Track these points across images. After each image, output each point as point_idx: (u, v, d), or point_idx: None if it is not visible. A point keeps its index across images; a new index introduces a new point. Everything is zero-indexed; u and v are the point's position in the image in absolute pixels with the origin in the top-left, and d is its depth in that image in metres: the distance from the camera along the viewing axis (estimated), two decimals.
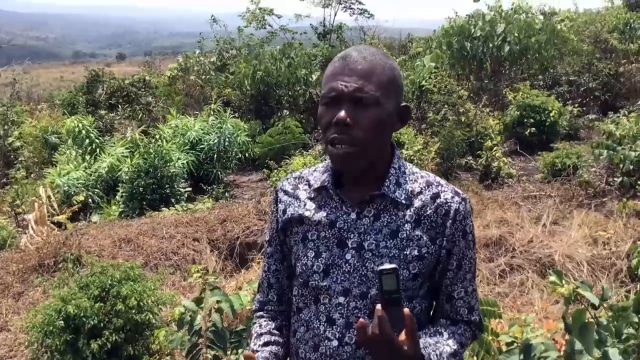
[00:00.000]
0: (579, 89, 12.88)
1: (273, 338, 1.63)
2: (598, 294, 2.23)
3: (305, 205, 1.57)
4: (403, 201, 1.48)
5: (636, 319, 2.09)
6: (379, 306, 1.28)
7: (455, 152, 9.52)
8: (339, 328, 1.47)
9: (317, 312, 1.51)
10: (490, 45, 12.50)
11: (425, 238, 1.47)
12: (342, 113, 1.41)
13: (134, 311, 4.45)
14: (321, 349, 1.49)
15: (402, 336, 1.29)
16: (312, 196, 1.57)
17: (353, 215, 1.49)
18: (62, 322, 4.30)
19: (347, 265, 1.47)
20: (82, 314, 4.31)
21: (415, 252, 1.45)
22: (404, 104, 1.51)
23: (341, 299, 1.47)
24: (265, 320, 1.68)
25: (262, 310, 1.71)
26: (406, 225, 1.47)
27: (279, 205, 1.64)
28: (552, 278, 2.10)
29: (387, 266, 1.29)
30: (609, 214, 6.92)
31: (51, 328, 4.31)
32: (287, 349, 1.62)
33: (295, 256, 1.57)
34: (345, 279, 1.47)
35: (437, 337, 1.47)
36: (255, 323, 1.69)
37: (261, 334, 1.64)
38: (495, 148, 9.11)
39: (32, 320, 4.49)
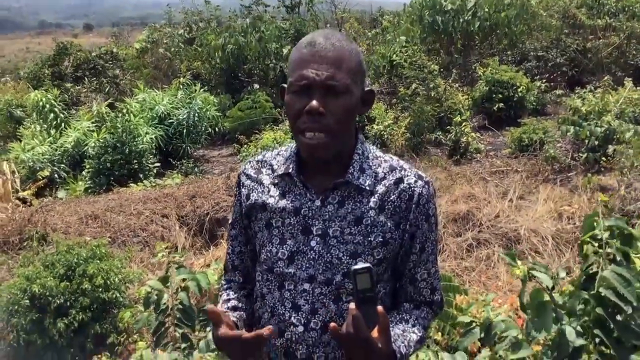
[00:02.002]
0: (547, 64, 13.00)
1: (240, 304, 1.64)
2: (560, 267, 2.28)
3: (269, 191, 1.56)
4: (367, 187, 1.48)
5: (586, 296, 2.14)
6: (352, 305, 1.29)
7: (425, 128, 9.57)
8: (304, 314, 1.48)
9: (282, 298, 1.51)
10: (461, 19, 12.50)
11: (389, 224, 1.47)
12: (315, 102, 1.40)
13: (100, 290, 4.43)
14: (287, 335, 1.50)
15: (375, 333, 1.30)
16: (276, 182, 1.56)
17: (317, 203, 1.49)
18: (27, 301, 4.27)
19: (312, 252, 1.48)
20: (47, 293, 4.28)
21: (380, 238, 1.46)
22: (368, 88, 1.50)
23: (306, 286, 1.48)
24: (232, 291, 1.69)
25: (229, 286, 1.73)
26: (370, 212, 1.47)
27: (242, 189, 1.63)
28: (508, 259, 2.14)
29: (361, 265, 1.30)
30: (574, 189, 7.05)
31: (17, 307, 4.28)
32: (250, 320, 1.63)
33: (260, 242, 1.57)
34: (310, 266, 1.48)
35: (403, 325, 1.49)
36: (222, 294, 1.70)
37: (229, 299, 1.65)
38: (464, 123, 9.17)
39: None
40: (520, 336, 2.40)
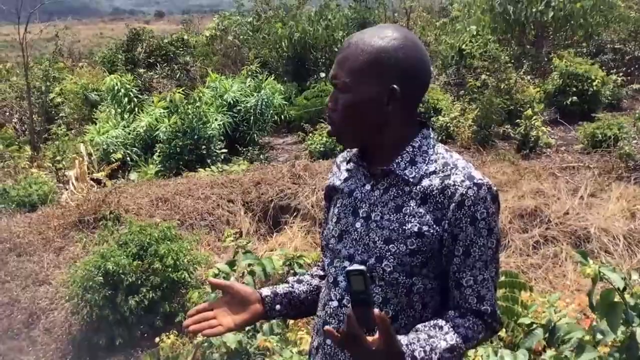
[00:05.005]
0: (624, 57, 12.49)
1: (305, 280, 1.77)
2: (632, 268, 2.22)
3: (341, 175, 1.67)
4: (410, 179, 1.50)
5: None
6: (350, 306, 1.32)
7: (493, 120, 9.37)
8: (340, 290, 1.56)
9: (329, 274, 1.61)
10: (534, 9, 12.15)
11: (428, 217, 1.47)
12: (328, 98, 1.56)
13: (170, 270, 4.59)
14: (326, 309, 1.59)
15: (377, 335, 1.30)
16: (349, 167, 1.65)
17: (368, 187, 1.56)
18: (101, 278, 4.47)
19: (355, 233, 1.55)
20: (120, 271, 4.47)
21: (415, 229, 1.47)
22: (393, 86, 1.46)
23: (346, 264, 1.54)
24: (315, 268, 1.85)
25: (317, 264, 1.89)
26: (411, 202, 1.49)
27: (330, 175, 1.76)
28: (578, 258, 2.09)
29: (354, 267, 1.31)
30: None
31: (91, 283, 4.48)
32: (307, 296, 1.75)
33: (328, 221, 1.69)
34: (352, 246, 1.55)
35: (434, 331, 1.44)
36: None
37: (303, 274, 1.83)
38: (535, 117, 8.93)
39: (73, 275, 4.67)
40: (586, 338, 2.36)
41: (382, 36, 1.47)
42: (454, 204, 1.46)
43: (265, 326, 3.52)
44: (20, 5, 14.51)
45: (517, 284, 3.49)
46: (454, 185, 1.46)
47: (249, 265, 3.66)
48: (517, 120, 9.17)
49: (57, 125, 13.65)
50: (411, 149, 1.53)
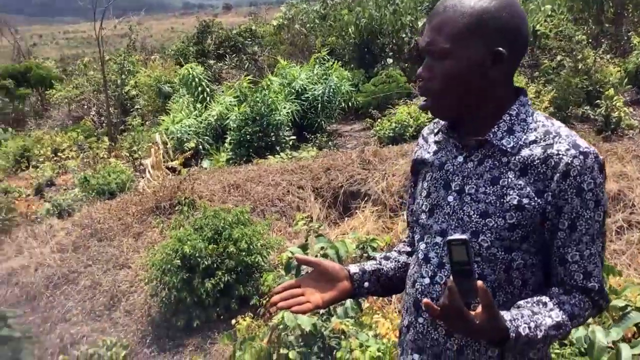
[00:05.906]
0: None
1: (393, 257, 1.72)
2: None
3: (429, 147, 1.61)
4: (508, 149, 1.41)
5: None
6: (450, 277, 1.25)
7: (571, 102, 8.99)
8: (432, 267, 1.49)
9: (419, 250, 1.55)
10: None
11: (529, 189, 1.39)
12: (420, 68, 1.46)
13: (244, 253, 4.64)
14: (416, 286, 1.52)
15: (479, 309, 1.24)
16: (438, 139, 1.59)
17: (460, 159, 1.48)
18: (178, 261, 4.57)
19: (448, 207, 1.48)
20: (197, 254, 4.55)
21: (515, 202, 1.38)
22: (499, 49, 1.38)
23: (438, 239, 1.48)
24: (401, 244, 1.79)
25: (403, 241, 1.82)
26: (509, 173, 1.41)
27: (416, 148, 1.70)
28: None
29: (456, 236, 1.25)
30: None
31: (169, 266, 4.59)
32: (396, 273, 1.70)
33: (416, 195, 1.63)
34: (444, 221, 1.48)
35: (537, 308, 1.37)
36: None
37: (390, 251, 1.76)
38: (615, 97, 8.51)
39: (152, 258, 4.79)
40: None
41: None
42: (558, 175, 1.37)
43: (340, 309, 3.49)
44: (96, 1, 15.02)
45: (605, 267, 3.33)
46: (558, 154, 1.37)
47: (322, 248, 3.65)
48: (597, 101, 8.77)
49: (133, 116, 14.14)
50: (508, 118, 1.45)
